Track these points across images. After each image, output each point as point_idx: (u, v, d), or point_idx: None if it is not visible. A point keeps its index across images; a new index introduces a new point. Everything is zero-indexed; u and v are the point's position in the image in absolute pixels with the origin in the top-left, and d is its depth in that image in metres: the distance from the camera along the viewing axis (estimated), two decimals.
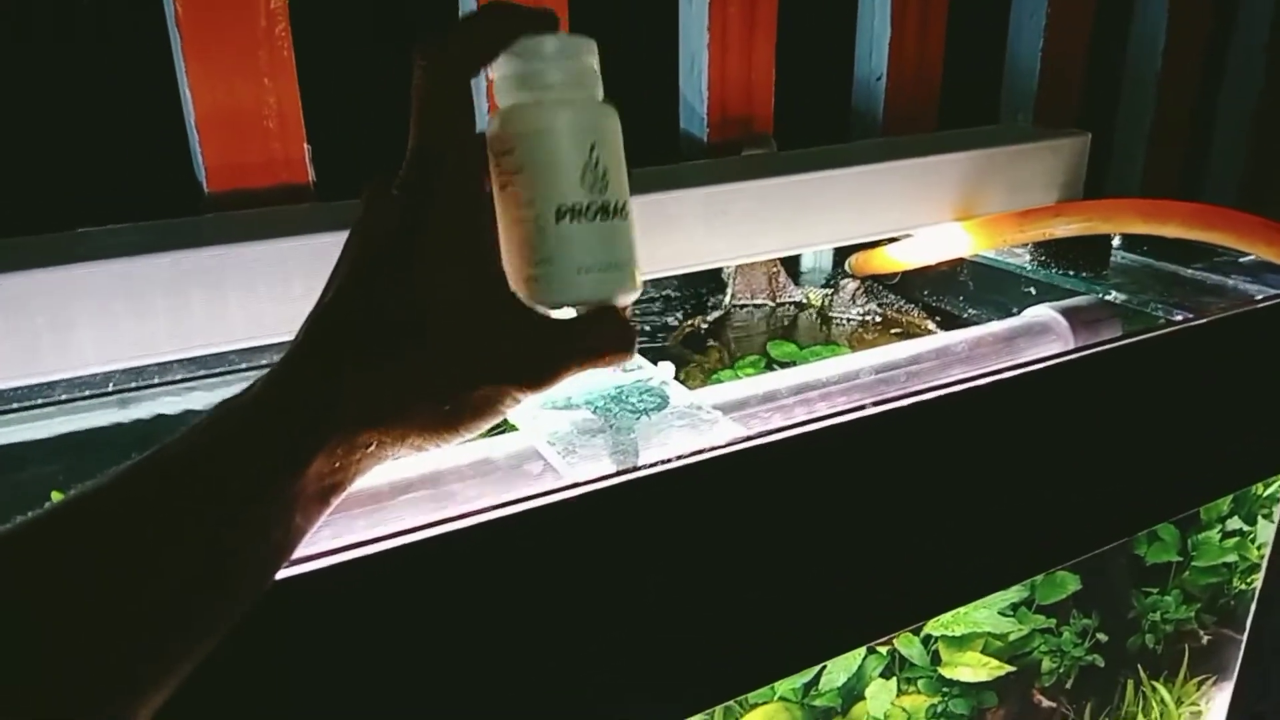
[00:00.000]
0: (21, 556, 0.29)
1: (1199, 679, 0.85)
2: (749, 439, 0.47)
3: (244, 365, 0.71)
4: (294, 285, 0.55)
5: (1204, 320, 0.65)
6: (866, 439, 0.51)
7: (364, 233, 0.35)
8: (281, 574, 0.35)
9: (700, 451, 0.45)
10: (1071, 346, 0.69)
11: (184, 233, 0.57)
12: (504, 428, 0.49)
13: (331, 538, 0.39)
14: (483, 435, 0.38)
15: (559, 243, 0.35)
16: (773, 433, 0.47)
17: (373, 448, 0.34)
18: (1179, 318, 0.69)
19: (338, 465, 0.33)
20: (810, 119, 0.99)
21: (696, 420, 0.51)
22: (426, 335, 0.34)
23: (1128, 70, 1.23)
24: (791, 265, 0.95)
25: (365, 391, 0.33)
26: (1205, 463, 0.69)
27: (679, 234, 0.67)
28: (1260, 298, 0.71)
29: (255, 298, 0.55)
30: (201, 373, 0.71)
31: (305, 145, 0.71)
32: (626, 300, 0.38)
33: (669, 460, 0.44)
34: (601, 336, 0.36)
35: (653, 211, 0.65)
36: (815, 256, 0.99)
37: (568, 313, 0.37)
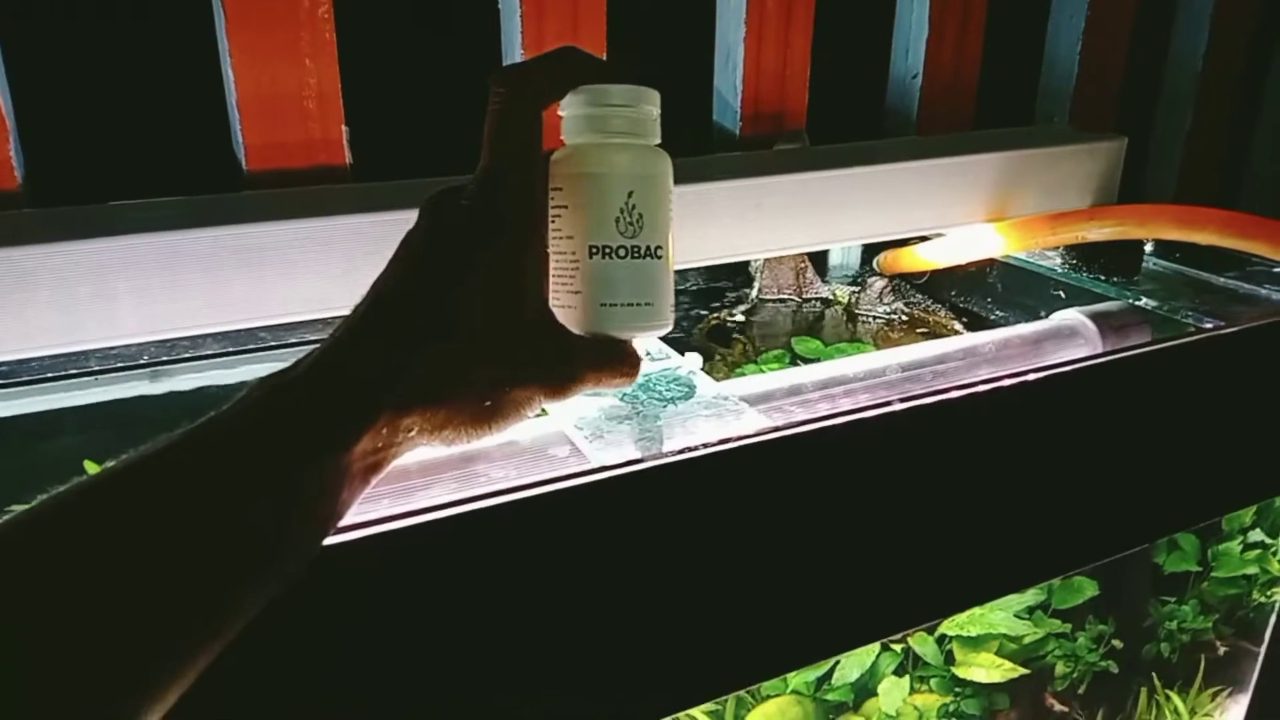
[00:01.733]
0: (53, 530, 0.29)
1: (1214, 690, 0.85)
2: (773, 430, 0.47)
3: (273, 343, 0.72)
4: (332, 264, 0.56)
5: (1234, 329, 0.65)
6: (890, 435, 0.51)
7: (430, 234, 0.38)
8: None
9: (724, 441, 0.45)
10: (1099, 351, 0.68)
11: (224, 209, 0.58)
12: None
13: (354, 513, 0.40)
14: None
15: (590, 278, 0.40)
16: (796, 425, 0.47)
17: (414, 432, 0.36)
18: (1209, 325, 0.69)
19: (381, 445, 0.35)
20: (844, 116, 0.99)
21: (722, 410, 0.51)
22: (479, 333, 0.36)
23: (1167, 74, 1.21)
24: (819, 261, 0.95)
25: (420, 372, 0.35)
26: (1229, 472, 0.69)
27: (710, 226, 0.68)
28: None
29: (293, 275, 0.56)
30: (231, 349, 0.72)
31: (344, 127, 0.72)
32: (653, 335, 0.42)
33: (694, 448, 0.44)
34: (612, 361, 0.41)
35: (684, 203, 0.66)
36: (843, 253, 0.99)
37: None
